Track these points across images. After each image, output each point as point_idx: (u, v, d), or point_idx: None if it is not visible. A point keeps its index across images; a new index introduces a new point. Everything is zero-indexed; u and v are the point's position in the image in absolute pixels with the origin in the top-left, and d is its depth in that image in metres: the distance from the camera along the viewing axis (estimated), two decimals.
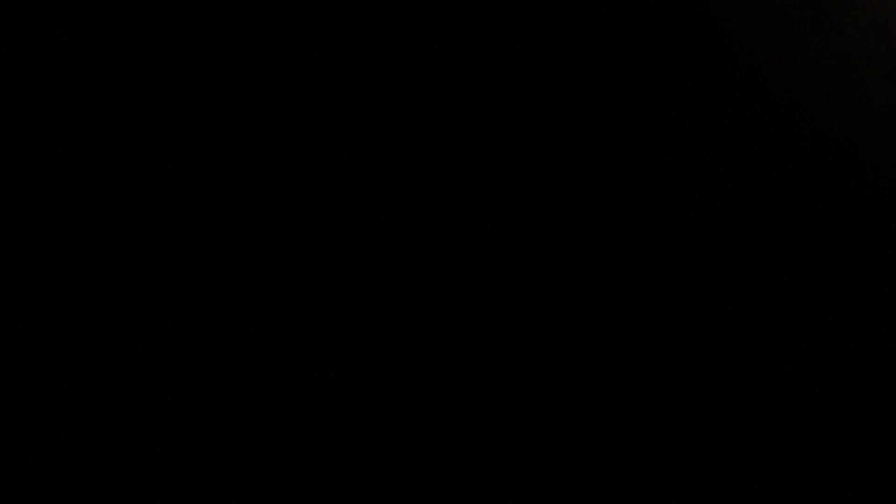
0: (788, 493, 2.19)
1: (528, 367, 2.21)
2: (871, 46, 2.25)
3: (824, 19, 2.26)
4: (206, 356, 2.18)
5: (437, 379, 2.20)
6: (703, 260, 2.23)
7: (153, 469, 2.15)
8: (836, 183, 2.24)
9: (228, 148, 2.22)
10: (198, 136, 2.21)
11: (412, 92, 2.24)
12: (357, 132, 2.23)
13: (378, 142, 2.23)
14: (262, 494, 2.15)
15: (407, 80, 2.25)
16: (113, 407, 2.15)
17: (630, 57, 2.26)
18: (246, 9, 2.23)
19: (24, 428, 2.13)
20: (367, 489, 2.17)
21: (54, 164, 2.18)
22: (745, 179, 2.24)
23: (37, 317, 2.16)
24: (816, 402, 2.21)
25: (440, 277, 2.22)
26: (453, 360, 2.20)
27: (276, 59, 2.23)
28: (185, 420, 2.16)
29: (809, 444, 2.20)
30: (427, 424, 2.19)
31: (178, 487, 2.14)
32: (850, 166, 2.25)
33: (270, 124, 2.23)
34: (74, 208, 2.18)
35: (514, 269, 2.23)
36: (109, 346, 2.16)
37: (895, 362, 2.21)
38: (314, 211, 2.21)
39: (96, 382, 2.15)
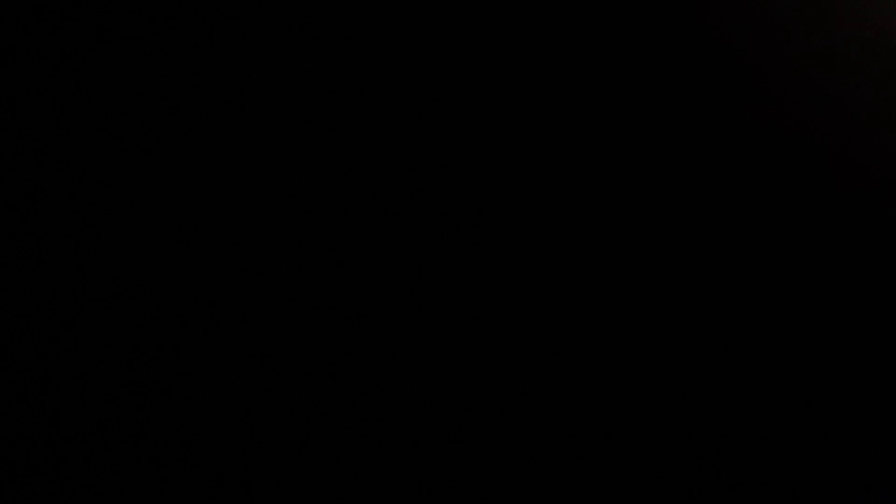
0: (788, 493, 2.19)
1: (528, 367, 2.21)
2: (869, 47, 2.26)
3: (823, 20, 2.26)
4: (206, 356, 2.18)
5: (438, 379, 2.20)
6: (701, 260, 2.23)
7: (153, 469, 2.15)
8: (835, 183, 2.24)
9: (228, 148, 2.22)
10: (198, 136, 2.21)
11: (412, 92, 2.25)
12: (357, 132, 2.24)
13: (378, 142, 2.24)
14: (262, 494, 2.15)
15: (407, 81, 2.25)
16: (113, 407, 2.16)
17: (629, 58, 2.26)
18: (246, 9, 2.23)
19: (24, 428, 2.14)
20: (367, 489, 2.17)
21: (54, 164, 2.18)
22: (743, 180, 2.24)
23: (37, 317, 2.16)
24: (816, 402, 2.21)
25: (440, 277, 2.22)
26: (453, 360, 2.21)
27: (276, 59, 2.23)
28: (185, 420, 2.16)
29: (809, 444, 2.20)
30: (427, 424, 2.19)
31: (179, 487, 2.14)
32: (849, 167, 2.25)
33: (270, 124, 2.23)
34: (74, 208, 2.18)
35: (513, 269, 2.23)
36: (110, 347, 2.16)
37: (895, 362, 2.21)
38: (314, 211, 2.22)
39: (96, 382, 2.16)
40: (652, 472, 2.19)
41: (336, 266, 2.21)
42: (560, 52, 2.26)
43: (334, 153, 2.23)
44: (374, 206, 2.22)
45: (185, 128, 2.21)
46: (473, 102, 2.25)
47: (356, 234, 2.22)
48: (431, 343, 2.20)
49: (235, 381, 2.18)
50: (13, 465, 2.12)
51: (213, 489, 2.15)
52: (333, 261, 2.21)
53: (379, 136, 2.23)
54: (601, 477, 2.19)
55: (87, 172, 2.19)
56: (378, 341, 2.20)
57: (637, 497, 2.19)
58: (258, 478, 2.16)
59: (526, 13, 2.26)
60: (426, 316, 2.21)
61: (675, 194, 2.22)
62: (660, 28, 2.25)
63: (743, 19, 2.26)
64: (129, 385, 2.16)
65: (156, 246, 2.19)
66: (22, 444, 2.13)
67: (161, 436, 2.15)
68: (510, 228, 2.23)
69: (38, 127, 2.18)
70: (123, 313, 2.17)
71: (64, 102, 2.19)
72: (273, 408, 2.18)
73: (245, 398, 2.17)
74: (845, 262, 2.23)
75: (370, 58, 2.25)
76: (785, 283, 2.23)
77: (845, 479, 2.20)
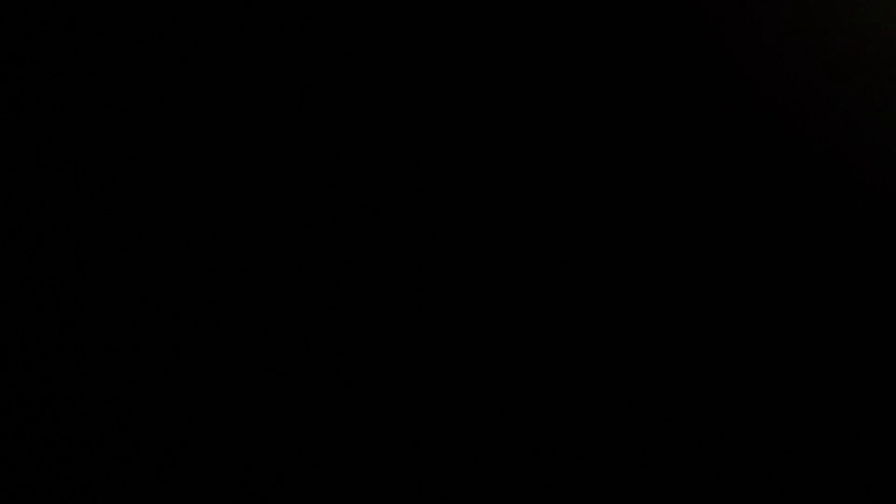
0: (789, 493, 2.19)
1: (528, 366, 2.21)
2: (868, 47, 2.25)
3: (822, 20, 2.26)
4: (206, 356, 2.18)
5: (438, 379, 2.20)
6: (700, 260, 2.23)
7: (153, 469, 2.15)
8: (835, 184, 2.24)
9: (228, 148, 2.22)
10: (197, 136, 2.21)
11: (412, 92, 2.25)
12: (357, 132, 2.23)
13: (378, 142, 2.23)
14: (263, 494, 2.15)
15: (406, 81, 2.25)
16: (113, 407, 2.16)
17: (628, 59, 2.26)
18: (246, 9, 2.23)
19: (24, 428, 2.13)
20: (367, 489, 2.17)
21: (54, 164, 2.18)
22: (742, 181, 2.24)
23: (37, 317, 2.16)
24: (817, 402, 2.21)
25: (440, 277, 2.22)
26: (453, 360, 2.20)
27: (275, 59, 2.23)
28: (185, 420, 2.16)
29: (809, 444, 2.20)
30: (427, 424, 2.19)
31: (179, 487, 2.14)
32: (848, 167, 2.25)
33: (270, 124, 2.23)
34: (74, 208, 2.18)
35: (513, 269, 2.23)
36: (109, 347, 2.16)
37: (895, 362, 2.21)
38: (314, 211, 2.22)
39: (96, 382, 2.16)
40: (652, 472, 2.19)
41: (336, 266, 2.21)
42: (560, 52, 2.26)
43: (334, 153, 2.23)
44: (374, 205, 2.22)
45: (185, 128, 2.21)
46: (473, 102, 2.25)
47: (356, 234, 2.22)
48: (431, 343, 2.20)
49: (235, 381, 2.18)
50: (13, 466, 2.12)
51: (213, 489, 2.15)
52: (334, 261, 2.21)
53: (379, 135, 2.23)
54: (601, 477, 2.19)
55: (87, 172, 2.18)
56: (378, 341, 2.20)
57: (637, 497, 2.19)
58: (258, 478, 2.16)
59: (524, 13, 2.26)
60: (426, 316, 2.21)
61: (673, 195, 2.22)
62: (657, 30, 2.25)
63: (740, 21, 2.26)
64: (129, 385, 2.16)
65: (155, 246, 2.19)
66: (22, 444, 2.13)
67: (161, 436, 2.15)
68: (510, 228, 2.23)
69: (39, 127, 2.18)
70: (123, 313, 2.17)
71: (64, 102, 2.19)
72: (273, 408, 2.18)
73: (245, 398, 2.17)
74: (845, 262, 2.24)
75: (370, 58, 2.24)
76: (785, 283, 2.23)
77: (845, 478, 2.20)
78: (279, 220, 2.21)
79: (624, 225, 2.24)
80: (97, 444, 2.14)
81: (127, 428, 2.15)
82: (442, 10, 2.24)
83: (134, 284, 2.18)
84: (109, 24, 2.20)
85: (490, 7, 2.25)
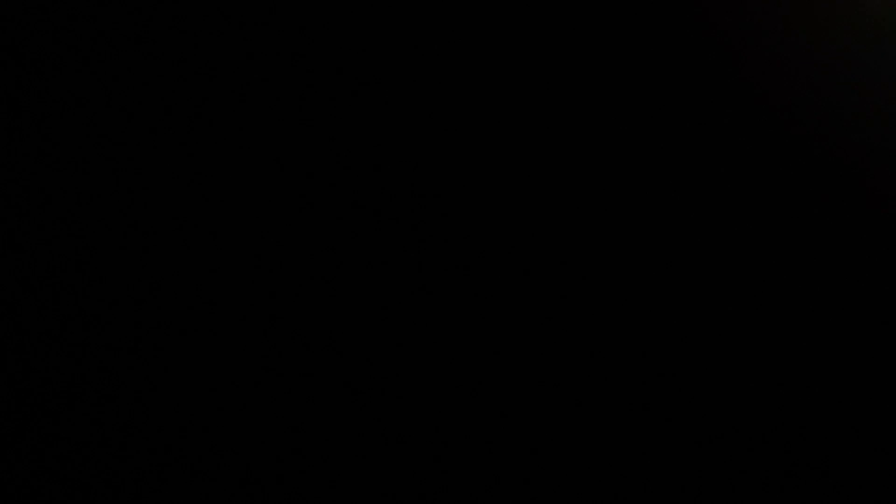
0: (789, 493, 2.19)
1: (528, 366, 2.21)
2: (867, 48, 2.25)
3: (821, 20, 2.26)
4: (206, 356, 2.18)
5: (438, 379, 2.20)
6: (701, 260, 2.23)
7: (153, 469, 2.15)
8: (834, 184, 2.24)
9: (228, 148, 2.22)
10: (197, 136, 2.21)
11: (412, 92, 2.25)
12: (357, 132, 2.23)
13: (377, 142, 2.23)
14: (262, 494, 2.15)
15: (406, 81, 2.25)
16: (113, 407, 2.15)
17: (627, 59, 2.26)
18: (246, 9, 2.23)
19: (24, 428, 2.13)
20: (367, 489, 2.17)
21: (54, 164, 2.18)
22: (741, 181, 2.24)
23: (37, 317, 2.16)
24: (817, 402, 2.21)
25: (440, 277, 2.22)
26: (453, 360, 2.20)
27: (275, 59, 2.23)
28: (185, 420, 2.16)
29: (809, 443, 2.20)
30: (427, 424, 2.19)
31: (179, 487, 2.14)
32: (848, 168, 2.25)
33: (270, 124, 2.23)
34: (74, 208, 2.18)
35: (513, 269, 2.23)
36: (109, 347, 2.16)
37: (895, 362, 2.21)
38: (314, 211, 2.21)
39: (96, 382, 2.16)
40: (652, 472, 2.19)
41: (336, 266, 2.21)
42: (560, 51, 2.26)
43: (334, 153, 2.23)
44: (374, 206, 2.22)
45: (185, 127, 2.21)
46: (473, 102, 2.25)
47: (356, 234, 2.22)
48: (431, 343, 2.20)
49: (236, 381, 2.18)
50: (13, 466, 2.12)
51: (213, 489, 2.15)
52: (334, 261, 2.21)
53: (379, 136, 2.23)
54: (601, 477, 2.19)
55: (86, 172, 2.18)
56: (378, 341, 2.20)
57: (637, 497, 2.19)
58: (258, 478, 2.16)
59: (523, 13, 2.26)
60: (426, 316, 2.21)
61: (673, 196, 2.22)
62: (657, 30, 2.25)
63: (740, 21, 2.26)
64: (129, 385, 2.16)
65: (155, 246, 2.19)
66: (22, 444, 2.13)
67: (161, 436, 2.15)
68: (510, 228, 2.23)
69: (38, 127, 2.18)
70: (123, 313, 2.17)
71: (64, 102, 2.19)
72: (273, 408, 2.18)
73: (245, 398, 2.17)
74: (845, 262, 2.23)
75: (370, 58, 2.24)
76: (785, 283, 2.23)
77: (845, 478, 2.20)
78: (279, 220, 2.21)
79: (624, 225, 2.23)
80: (97, 444, 2.14)
81: (127, 428, 2.15)
82: (442, 10, 2.24)
83: (134, 284, 2.18)
84: (109, 24, 2.20)
85: (490, 7, 2.25)
